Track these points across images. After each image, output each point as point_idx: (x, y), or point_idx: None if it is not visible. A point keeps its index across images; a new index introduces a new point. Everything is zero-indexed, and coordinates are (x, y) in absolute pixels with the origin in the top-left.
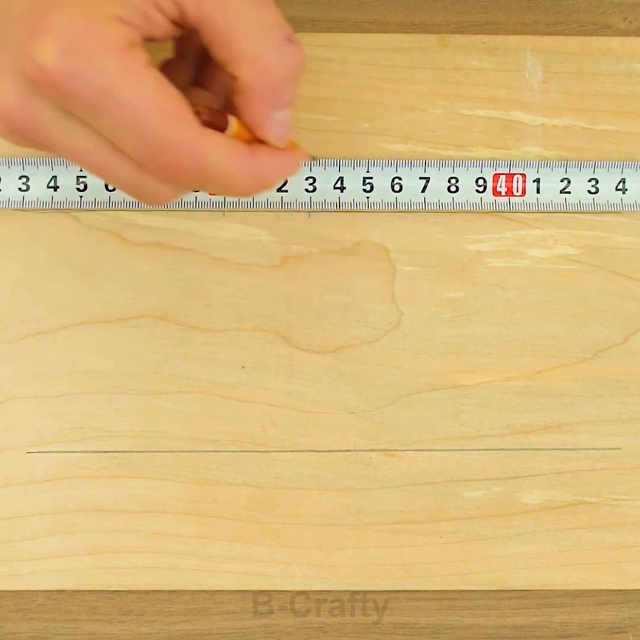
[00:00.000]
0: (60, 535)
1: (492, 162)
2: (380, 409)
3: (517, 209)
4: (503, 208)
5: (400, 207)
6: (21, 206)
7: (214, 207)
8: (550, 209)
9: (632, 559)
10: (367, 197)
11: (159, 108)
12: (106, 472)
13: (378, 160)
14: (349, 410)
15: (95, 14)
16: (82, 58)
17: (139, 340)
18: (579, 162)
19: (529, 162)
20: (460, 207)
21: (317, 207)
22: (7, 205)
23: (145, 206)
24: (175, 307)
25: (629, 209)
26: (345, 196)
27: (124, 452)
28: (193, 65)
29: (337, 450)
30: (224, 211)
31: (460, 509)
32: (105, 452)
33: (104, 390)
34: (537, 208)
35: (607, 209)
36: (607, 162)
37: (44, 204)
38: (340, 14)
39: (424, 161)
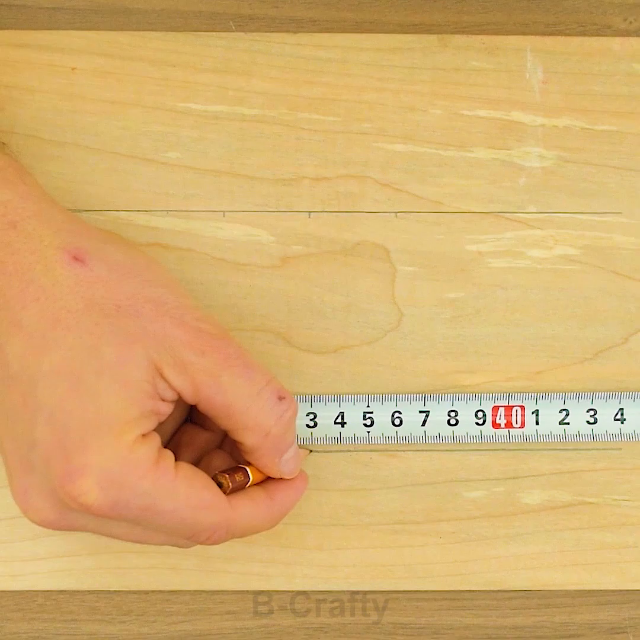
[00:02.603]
0: (60, 535)
1: (490, 395)
2: None
3: (516, 440)
4: (502, 440)
5: (401, 442)
6: None
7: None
8: (550, 440)
9: (632, 559)
10: (368, 432)
11: (194, 506)
12: None
13: (378, 396)
14: None
15: (124, 443)
16: (121, 490)
17: None
18: (577, 394)
19: (527, 395)
20: (460, 440)
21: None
22: None
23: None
24: None
25: (628, 440)
26: (346, 430)
27: None
28: (186, 407)
29: (337, 451)
30: (224, 211)
31: (460, 509)
32: None
33: None
34: (536, 440)
35: (606, 440)
36: (606, 394)
37: None
38: (340, 14)
39: (423, 395)
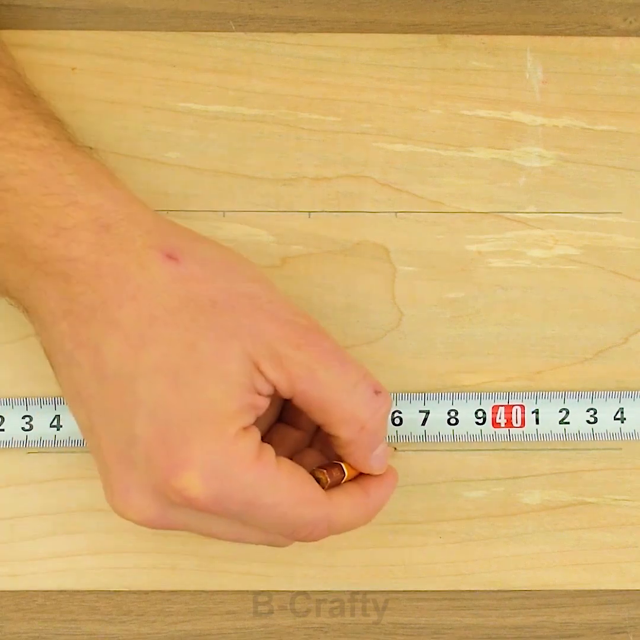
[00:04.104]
0: (60, 535)
1: (490, 394)
2: None
3: (516, 439)
4: (502, 439)
5: (401, 440)
6: None
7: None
8: (550, 440)
9: (632, 559)
10: None
11: (296, 500)
12: None
13: None
14: None
15: (226, 435)
16: (225, 483)
17: None
18: (577, 394)
19: (527, 394)
20: (460, 440)
21: None
22: None
23: None
24: None
25: (628, 439)
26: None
27: None
28: (278, 406)
29: None
30: (224, 211)
31: (461, 509)
32: None
33: None
34: (536, 439)
35: (606, 439)
36: (605, 393)
37: None
38: (340, 14)
39: (423, 394)
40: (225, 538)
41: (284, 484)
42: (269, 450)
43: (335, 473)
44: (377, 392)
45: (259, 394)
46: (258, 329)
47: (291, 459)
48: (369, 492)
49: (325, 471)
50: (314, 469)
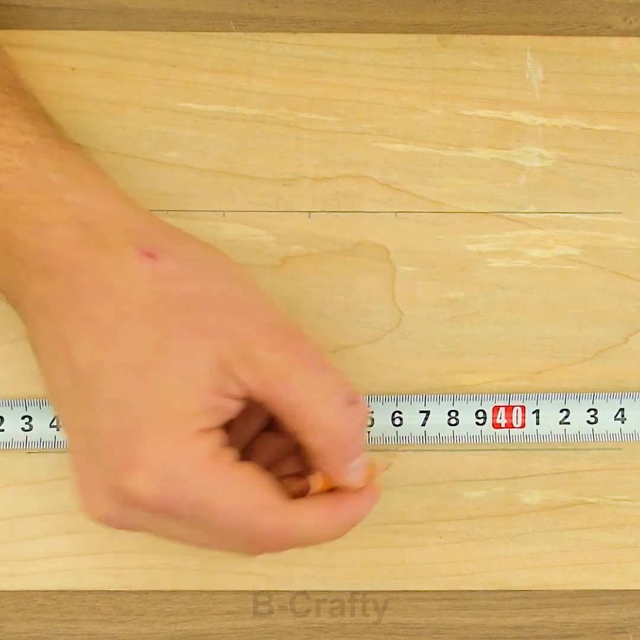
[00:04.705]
0: (61, 535)
1: (491, 395)
2: None
3: (516, 440)
4: (503, 440)
5: (401, 442)
6: None
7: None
8: (550, 440)
9: (632, 559)
10: (368, 432)
11: (251, 506)
12: None
13: (378, 396)
14: None
15: (181, 435)
16: (175, 483)
17: None
18: (578, 394)
19: (528, 395)
20: (461, 440)
21: None
22: None
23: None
24: None
25: (628, 439)
26: None
27: None
28: (263, 415)
29: None
30: (224, 211)
31: (461, 509)
32: None
33: None
34: (537, 440)
35: (606, 440)
36: (606, 394)
37: None
38: (340, 14)
39: (423, 395)
40: (191, 543)
41: (241, 490)
42: (229, 454)
43: (302, 483)
44: (352, 403)
45: (230, 397)
46: (232, 329)
47: (273, 466)
48: (341, 505)
49: (292, 480)
50: (282, 476)
